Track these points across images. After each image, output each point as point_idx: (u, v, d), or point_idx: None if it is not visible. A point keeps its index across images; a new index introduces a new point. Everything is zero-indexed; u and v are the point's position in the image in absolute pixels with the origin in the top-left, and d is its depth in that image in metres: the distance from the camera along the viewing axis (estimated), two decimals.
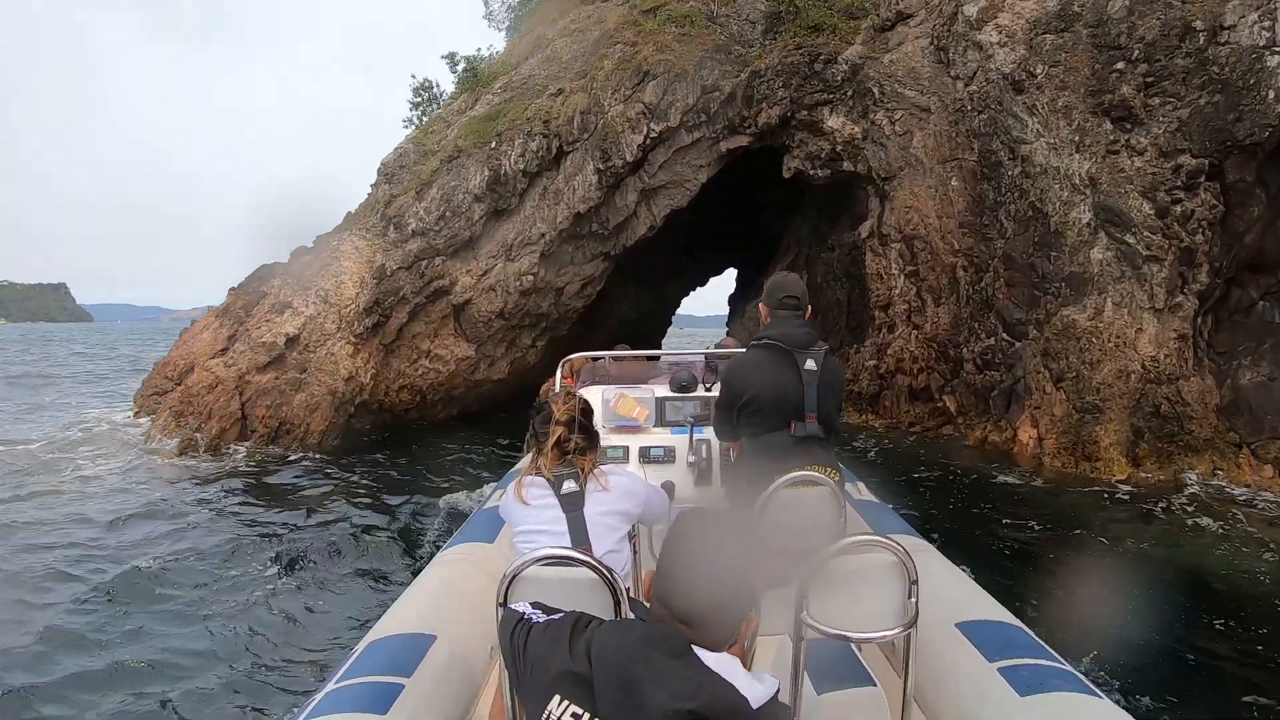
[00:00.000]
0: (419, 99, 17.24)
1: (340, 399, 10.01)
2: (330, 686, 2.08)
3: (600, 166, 12.09)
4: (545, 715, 1.13)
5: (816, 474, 2.54)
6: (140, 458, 9.33)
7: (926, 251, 12.49)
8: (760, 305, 2.99)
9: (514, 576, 1.76)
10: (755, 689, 1.10)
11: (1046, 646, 2.29)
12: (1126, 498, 8.31)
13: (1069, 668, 2.16)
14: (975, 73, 11.29)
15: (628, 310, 19.49)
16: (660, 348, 16.20)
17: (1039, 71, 10.48)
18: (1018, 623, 2.47)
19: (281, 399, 9.75)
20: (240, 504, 7.59)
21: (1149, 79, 9.58)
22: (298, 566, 5.79)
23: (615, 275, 19.53)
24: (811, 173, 13.34)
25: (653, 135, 12.30)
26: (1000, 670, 2.12)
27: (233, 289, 12.79)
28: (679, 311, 27.76)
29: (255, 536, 6.52)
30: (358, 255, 11.36)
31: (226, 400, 9.66)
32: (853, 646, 1.98)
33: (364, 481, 8.67)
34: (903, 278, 12.96)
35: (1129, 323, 9.67)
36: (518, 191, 12.00)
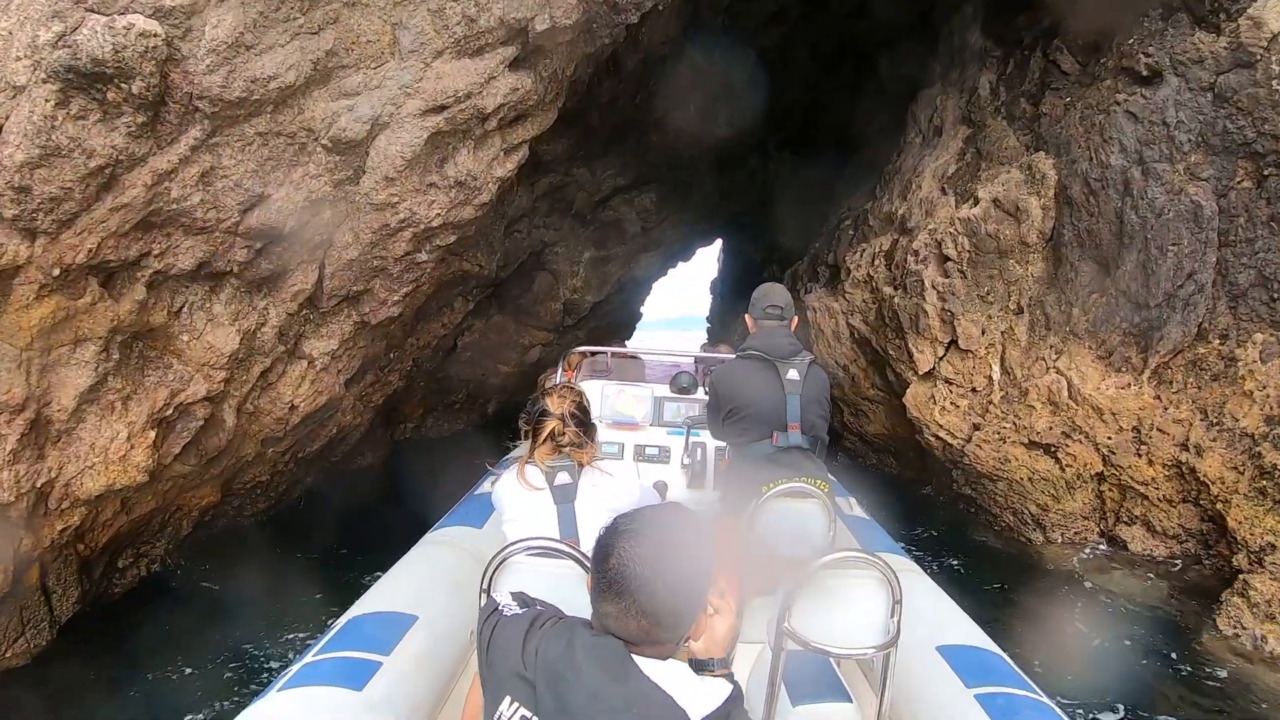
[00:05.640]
0: None
1: None
2: (307, 659, 2.04)
3: None
4: (497, 715, 1.10)
5: (808, 485, 2.49)
6: None
7: None
8: (746, 316, 2.88)
9: (499, 564, 1.77)
10: (698, 700, 1.03)
11: (1025, 677, 2.25)
12: None
13: (1046, 700, 2.11)
14: None
15: (583, 279, 10.23)
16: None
17: None
18: (998, 650, 2.41)
19: None
20: None
21: None
22: None
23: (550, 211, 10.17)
24: None
25: None
26: (977, 696, 2.08)
27: None
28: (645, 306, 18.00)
29: None
30: None
31: None
32: (831, 661, 1.99)
33: None
34: None
35: None
36: None
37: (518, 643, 1.13)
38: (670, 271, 17.21)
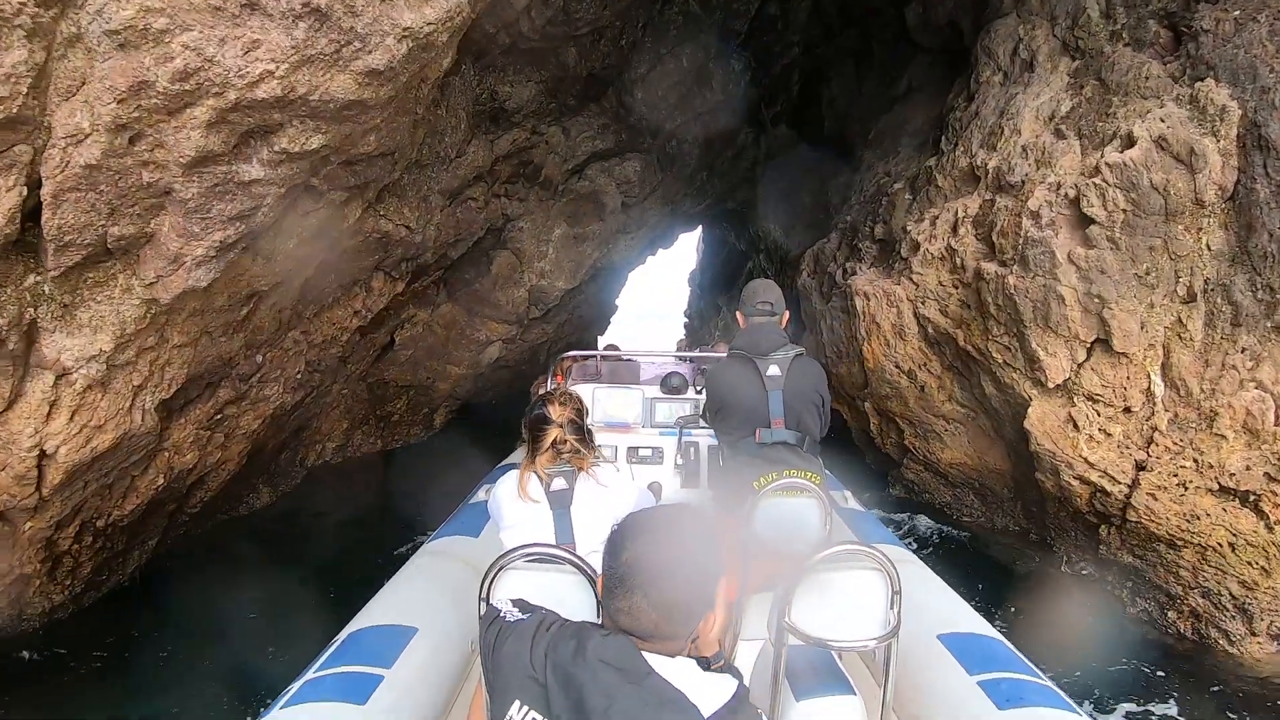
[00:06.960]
0: None
1: None
2: (309, 675, 2.02)
3: None
4: (506, 718, 1.10)
5: (801, 480, 2.48)
6: None
7: None
8: (738, 313, 2.88)
9: (497, 571, 1.74)
10: (708, 695, 1.04)
11: (1027, 661, 2.24)
12: None
13: (1049, 683, 2.11)
14: None
15: (552, 261, 8.32)
16: (596, 346, 12.06)
17: None
18: (999, 636, 2.42)
19: None
20: None
21: None
22: None
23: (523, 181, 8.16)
24: None
25: None
26: (980, 683, 2.08)
27: None
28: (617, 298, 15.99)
29: None
30: None
31: None
32: (834, 654, 1.98)
33: None
34: None
35: None
36: None
37: (525, 646, 1.12)
38: (648, 259, 15.37)
